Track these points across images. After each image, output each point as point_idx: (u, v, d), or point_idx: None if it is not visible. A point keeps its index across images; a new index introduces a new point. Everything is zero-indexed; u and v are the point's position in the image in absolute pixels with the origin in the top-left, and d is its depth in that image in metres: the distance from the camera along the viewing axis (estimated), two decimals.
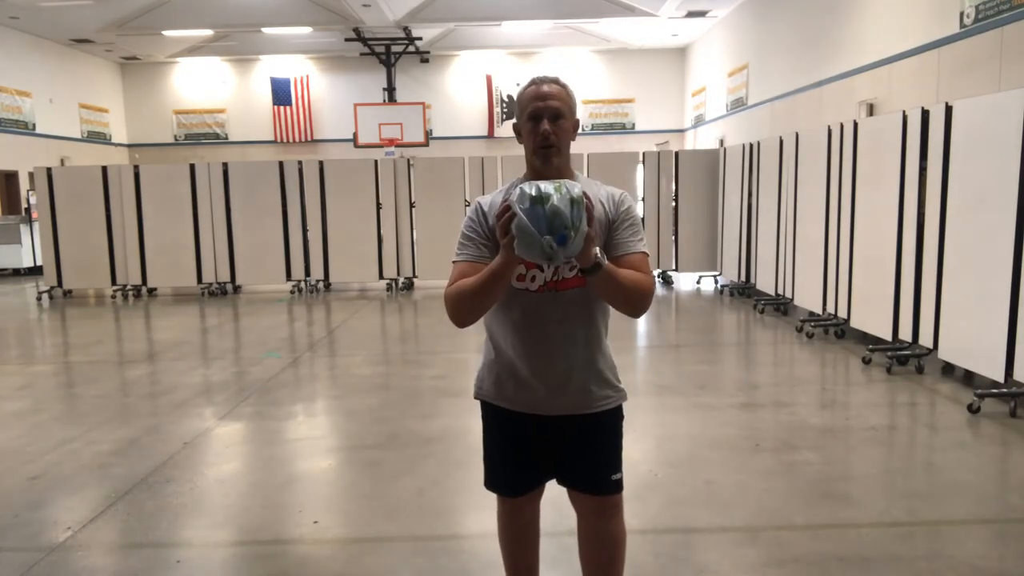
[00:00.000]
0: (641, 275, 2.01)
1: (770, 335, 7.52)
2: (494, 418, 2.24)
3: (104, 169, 11.18)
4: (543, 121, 2.02)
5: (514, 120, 2.14)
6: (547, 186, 1.83)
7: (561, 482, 2.25)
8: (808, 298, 7.75)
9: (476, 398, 2.27)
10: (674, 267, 11.34)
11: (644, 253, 2.07)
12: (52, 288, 11.29)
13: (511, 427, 2.20)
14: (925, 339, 5.71)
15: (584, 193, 1.83)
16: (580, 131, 2.13)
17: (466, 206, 10.84)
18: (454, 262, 2.09)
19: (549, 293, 2.06)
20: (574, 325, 2.09)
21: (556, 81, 2.08)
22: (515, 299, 2.06)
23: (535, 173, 2.09)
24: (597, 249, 1.89)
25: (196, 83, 21.55)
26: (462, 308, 2.01)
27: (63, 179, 11.17)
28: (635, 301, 2.00)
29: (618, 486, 2.20)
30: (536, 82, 2.08)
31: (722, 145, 14.79)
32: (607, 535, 2.24)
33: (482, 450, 2.31)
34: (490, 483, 2.31)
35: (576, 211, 1.79)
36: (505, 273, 1.92)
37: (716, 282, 11.11)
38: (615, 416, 2.20)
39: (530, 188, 1.83)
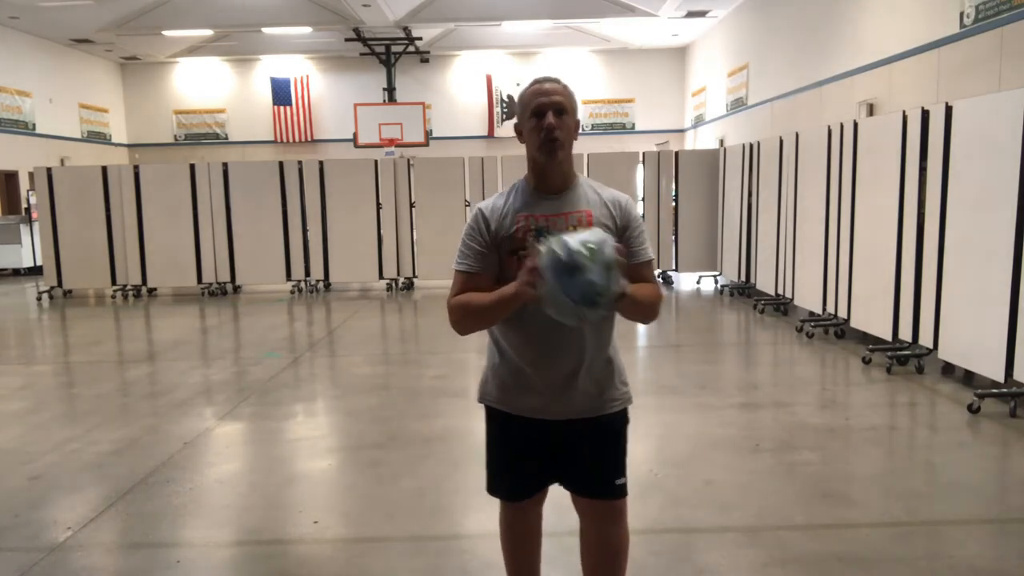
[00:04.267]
0: (653, 288, 2.09)
1: (770, 335, 7.52)
2: (498, 423, 2.21)
3: (104, 169, 11.19)
4: (548, 115, 2.01)
5: (515, 121, 2.12)
6: (580, 253, 1.72)
7: (565, 486, 2.22)
8: (808, 298, 7.75)
9: (480, 402, 2.24)
10: (674, 267, 11.33)
11: (651, 260, 2.15)
12: (52, 288, 11.29)
13: (516, 432, 2.17)
14: (925, 339, 5.70)
15: (616, 249, 1.81)
16: (580, 131, 2.12)
17: (466, 206, 10.84)
18: (456, 270, 2.08)
19: None
20: (581, 329, 2.03)
21: (558, 81, 2.08)
22: None
23: (538, 170, 2.09)
24: (622, 281, 1.88)
25: (196, 83, 21.56)
26: (467, 324, 2.06)
27: (63, 179, 11.17)
28: (649, 314, 2.10)
29: (622, 490, 2.17)
30: (538, 81, 2.08)
31: (722, 145, 14.79)
32: (610, 541, 2.21)
33: (485, 453, 2.27)
34: (492, 488, 2.27)
35: (612, 276, 1.76)
36: (516, 303, 1.93)
37: (716, 282, 11.10)
38: (621, 420, 2.18)
39: (563, 251, 1.73)
